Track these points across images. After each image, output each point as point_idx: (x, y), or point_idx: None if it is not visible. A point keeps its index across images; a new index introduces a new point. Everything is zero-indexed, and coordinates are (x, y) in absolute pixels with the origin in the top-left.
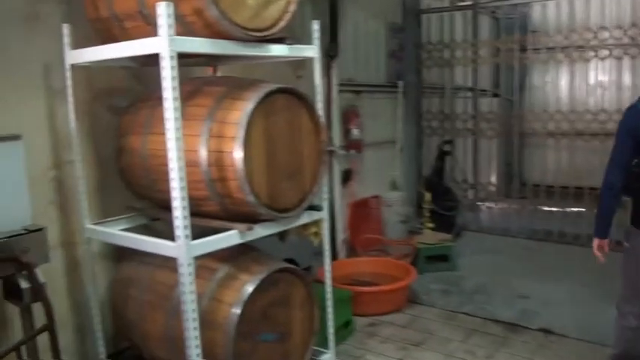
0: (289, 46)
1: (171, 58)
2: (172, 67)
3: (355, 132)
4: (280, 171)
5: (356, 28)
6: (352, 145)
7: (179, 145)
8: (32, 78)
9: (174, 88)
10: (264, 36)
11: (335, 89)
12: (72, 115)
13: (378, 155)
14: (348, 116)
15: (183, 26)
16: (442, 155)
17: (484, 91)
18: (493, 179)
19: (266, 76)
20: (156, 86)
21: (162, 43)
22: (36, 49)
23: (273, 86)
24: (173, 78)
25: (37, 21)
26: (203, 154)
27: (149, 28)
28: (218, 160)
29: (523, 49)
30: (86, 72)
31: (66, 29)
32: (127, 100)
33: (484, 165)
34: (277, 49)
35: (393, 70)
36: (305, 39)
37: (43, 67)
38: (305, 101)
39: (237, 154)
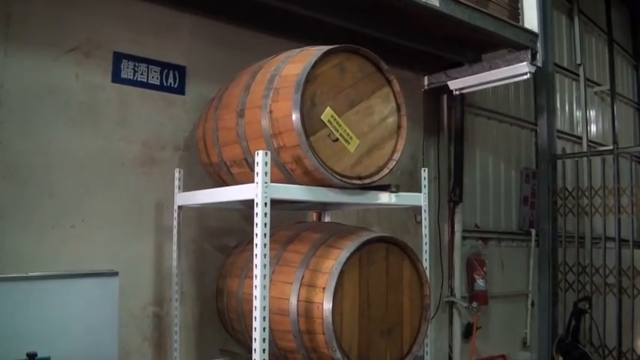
0: (393, 194)
1: (265, 204)
2: (265, 214)
3: (480, 282)
4: (375, 325)
5: (484, 172)
6: (476, 297)
7: (264, 293)
8: (144, 216)
9: (264, 235)
10: (366, 184)
11: (458, 236)
12: (175, 254)
13: (506, 309)
14: (473, 265)
15: (284, 173)
16: (578, 314)
17: (625, 241)
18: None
19: (382, 221)
20: None
21: (256, 190)
22: (150, 191)
23: (372, 235)
24: (265, 224)
25: (153, 165)
26: (293, 303)
27: (253, 175)
28: (307, 311)
29: None
30: (198, 211)
31: (177, 173)
32: (235, 241)
33: (628, 328)
34: (379, 197)
35: (525, 218)
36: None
37: (155, 206)
38: (408, 251)
39: (327, 305)
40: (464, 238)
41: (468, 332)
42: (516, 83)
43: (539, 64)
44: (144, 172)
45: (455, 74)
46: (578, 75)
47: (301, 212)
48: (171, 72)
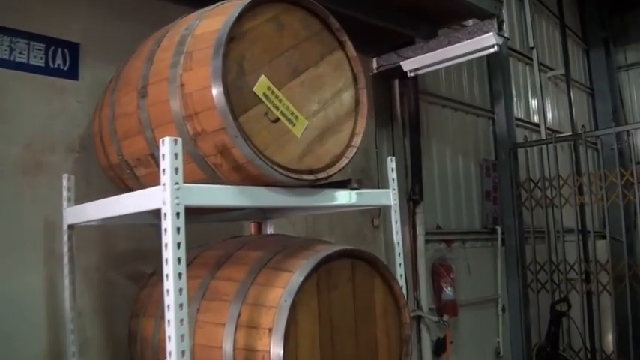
0: (354, 191)
1: (176, 214)
2: (177, 229)
3: (448, 291)
4: None
5: (442, 167)
6: (445, 308)
7: (181, 347)
8: (30, 240)
9: (178, 259)
10: (319, 180)
11: (421, 240)
12: (68, 290)
13: (476, 318)
14: (439, 272)
15: (205, 170)
16: (556, 318)
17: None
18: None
19: (335, 229)
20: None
21: (163, 196)
22: (36, 207)
23: (331, 249)
24: (178, 244)
25: (39, 173)
26: (228, 351)
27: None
28: None
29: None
30: (101, 231)
31: (66, 181)
32: (152, 267)
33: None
34: (337, 197)
35: (488, 214)
36: (383, 182)
37: (44, 227)
38: (379, 267)
39: (276, 352)
40: (427, 241)
41: (438, 349)
42: (469, 67)
43: (507, 34)
44: (27, 183)
45: (407, 53)
46: (531, 59)
47: (236, 224)
48: (60, 50)
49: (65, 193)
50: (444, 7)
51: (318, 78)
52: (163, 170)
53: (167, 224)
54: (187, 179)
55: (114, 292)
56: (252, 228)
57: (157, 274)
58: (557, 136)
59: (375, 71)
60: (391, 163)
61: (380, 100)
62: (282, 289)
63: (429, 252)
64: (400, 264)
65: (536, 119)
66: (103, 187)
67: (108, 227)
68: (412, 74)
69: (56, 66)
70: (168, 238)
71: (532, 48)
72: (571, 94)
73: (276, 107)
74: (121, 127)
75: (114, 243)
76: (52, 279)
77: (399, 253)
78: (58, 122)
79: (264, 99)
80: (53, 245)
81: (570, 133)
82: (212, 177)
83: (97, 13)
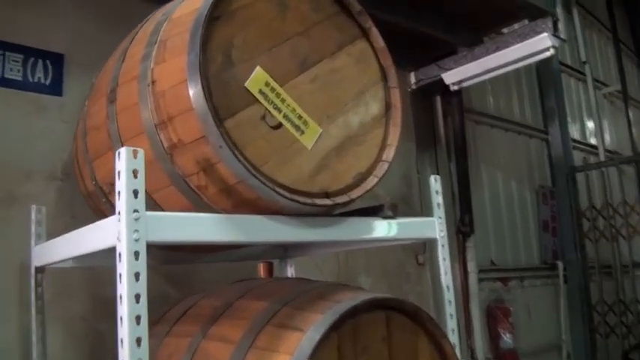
0: (388, 221)
1: (135, 255)
2: (136, 275)
3: (507, 338)
4: None
5: (494, 194)
6: (504, 359)
7: None
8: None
9: (136, 318)
10: (339, 205)
11: (473, 278)
12: (36, 350)
13: None
14: (495, 316)
15: (187, 194)
16: None
17: None
18: None
19: (372, 266)
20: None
21: (117, 228)
22: (8, 246)
23: (359, 297)
24: (136, 296)
25: (11, 205)
26: None
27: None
28: None
29: None
30: (89, 273)
31: (34, 213)
32: (154, 314)
33: None
34: (364, 229)
35: (547, 247)
36: (427, 213)
37: (18, 270)
38: (424, 320)
39: None
40: (480, 280)
41: None
42: (518, 83)
43: (563, 35)
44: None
45: (449, 64)
46: (583, 74)
47: (251, 263)
48: (40, 62)
49: (34, 228)
50: (489, 6)
51: (335, 73)
52: (118, 193)
53: (122, 268)
54: (167, 207)
55: (104, 346)
56: (260, 270)
57: (155, 325)
58: (621, 157)
59: (414, 86)
60: (435, 184)
61: (420, 119)
62: (289, 357)
63: (483, 292)
64: (452, 315)
65: (593, 140)
66: (90, 220)
67: (97, 269)
68: (455, 87)
69: (36, 80)
70: (123, 289)
71: (584, 62)
72: (629, 112)
73: (278, 109)
74: (91, 144)
75: (103, 286)
76: (27, 333)
77: (450, 301)
78: (36, 145)
79: (260, 98)
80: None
81: (632, 154)
82: (197, 203)
83: (85, 19)
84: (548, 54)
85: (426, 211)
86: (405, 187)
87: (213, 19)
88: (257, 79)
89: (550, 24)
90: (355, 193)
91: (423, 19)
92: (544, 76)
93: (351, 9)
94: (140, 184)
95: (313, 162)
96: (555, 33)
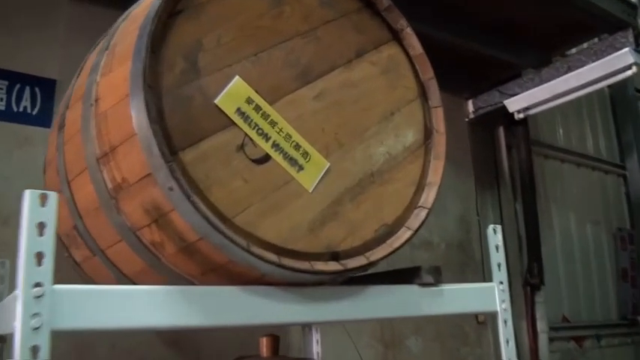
0: (427, 289)
1: (30, 351)
2: None
3: None
4: None
5: (566, 239)
6: None
7: None
8: None
9: None
10: (351, 270)
11: (544, 339)
12: None
13: None
14: None
15: (144, 256)
16: None
17: None
18: None
19: (421, 327)
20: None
21: (15, 309)
22: None
23: None
24: None
25: None
26: None
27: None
28: None
29: None
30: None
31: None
32: None
33: None
34: (393, 302)
35: (627, 300)
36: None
37: None
38: None
39: None
40: (551, 339)
41: None
42: (590, 112)
43: None
44: None
45: (513, 89)
46: None
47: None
48: (27, 89)
49: None
50: (559, 19)
51: (351, 87)
52: (21, 258)
53: None
54: (124, 269)
55: None
56: (262, 345)
57: None
58: None
59: (472, 116)
60: (494, 237)
61: (480, 153)
62: None
63: (555, 354)
64: None
65: None
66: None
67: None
68: (520, 116)
69: (22, 109)
70: None
71: None
72: None
73: (265, 135)
74: (47, 184)
75: (94, 357)
76: None
77: None
78: (17, 184)
79: (238, 119)
80: None
81: None
82: (155, 266)
83: (79, 41)
84: (629, 73)
85: (488, 262)
86: (462, 231)
87: (173, 13)
88: (235, 93)
89: (631, 37)
90: (377, 254)
91: (481, 37)
92: (619, 104)
93: (377, 4)
94: (48, 244)
95: (316, 209)
96: (638, 48)
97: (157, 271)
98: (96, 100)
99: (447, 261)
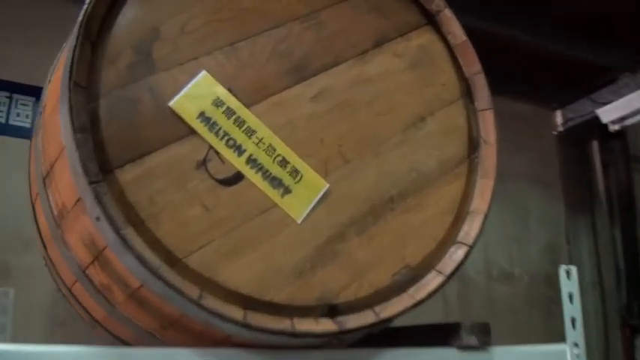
0: (469, 353)
1: None
2: None
3: None
4: None
5: None
6: None
7: None
8: None
9: None
10: (352, 331)
11: None
12: None
13: None
14: None
15: (99, 302)
16: None
17: None
18: None
19: None
20: None
21: None
22: None
23: None
24: None
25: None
26: None
27: None
28: None
29: None
30: None
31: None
32: None
33: None
34: None
35: None
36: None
37: None
38: None
39: None
40: None
41: None
42: None
43: None
44: None
45: (607, 97)
46: None
47: None
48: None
49: None
50: None
51: (366, 84)
52: None
53: None
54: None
55: None
56: None
57: None
58: None
59: (561, 128)
60: (568, 282)
61: (571, 171)
62: None
63: None
64: None
65: None
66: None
67: None
68: (616, 127)
69: (19, 120)
70: None
71: None
72: None
73: (236, 147)
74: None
75: None
76: None
77: None
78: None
79: (200, 127)
80: None
81: None
82: (112, 314)
83: None
84: None
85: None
86: (548, 262)
87: None
88: (197, 93)
89: None
90: (392, 308)
91: (567, 36)
92: None
93: None
94: None
95: (307, 247)
96: None
97: (119, 321)
98: (44, 107)
99: (530, 297)
